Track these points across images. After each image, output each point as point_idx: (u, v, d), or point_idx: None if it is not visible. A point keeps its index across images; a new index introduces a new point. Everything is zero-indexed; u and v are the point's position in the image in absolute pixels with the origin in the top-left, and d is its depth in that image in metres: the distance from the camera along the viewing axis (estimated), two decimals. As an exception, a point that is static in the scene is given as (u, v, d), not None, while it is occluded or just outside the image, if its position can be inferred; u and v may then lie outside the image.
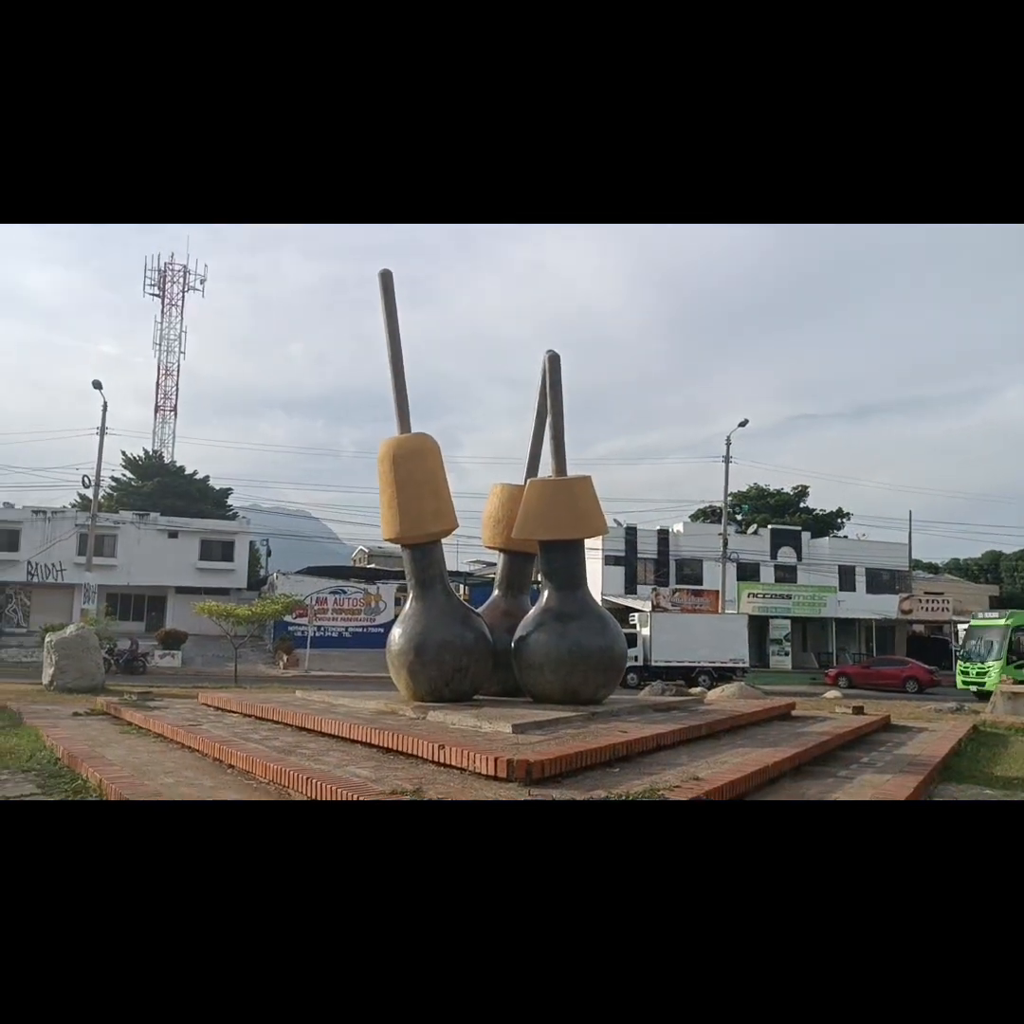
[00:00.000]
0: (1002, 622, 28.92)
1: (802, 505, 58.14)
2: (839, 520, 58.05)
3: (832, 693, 25.56)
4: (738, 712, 9.94)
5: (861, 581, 46.84)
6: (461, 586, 34.53)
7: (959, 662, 30.12)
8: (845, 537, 52.77)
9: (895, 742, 10.01)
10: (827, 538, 50.33)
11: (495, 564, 12.46)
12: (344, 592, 40.42)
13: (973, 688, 28.16)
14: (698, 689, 22.78)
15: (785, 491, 58.63)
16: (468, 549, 42.02)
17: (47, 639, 18.76)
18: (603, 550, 40.80)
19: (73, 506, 46.48)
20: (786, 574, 45.99)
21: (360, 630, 39.21)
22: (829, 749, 8.35)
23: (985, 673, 28.03)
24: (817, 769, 7.37)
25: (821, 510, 58.16)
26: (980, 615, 32.24)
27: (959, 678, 29.44)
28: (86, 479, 38.12)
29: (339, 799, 5.00)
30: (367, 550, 55.36)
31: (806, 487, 59.00)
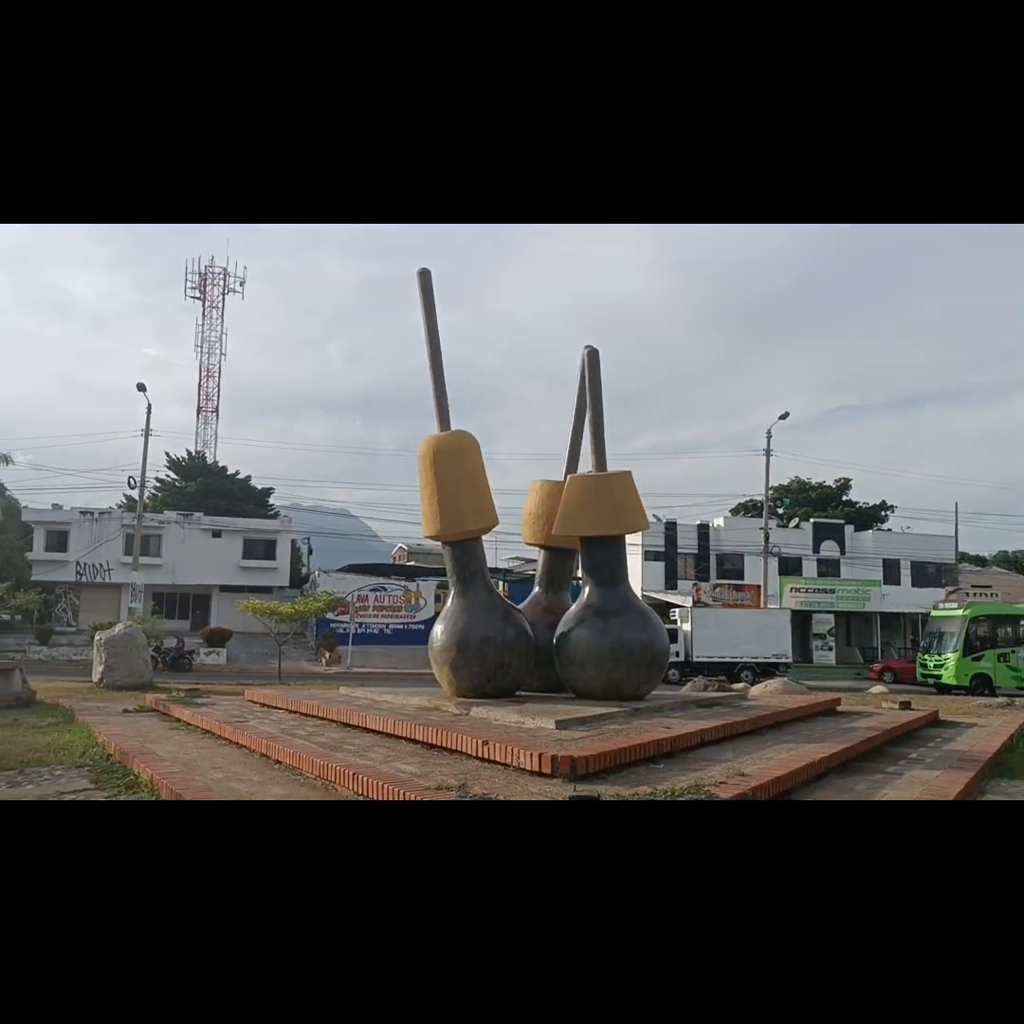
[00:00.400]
0: (960, 613, 28.33)
1: (845, 498, 57.28)
2: (883, 513, 57.11)
3: (878, 688, 25.16)
4: (783, 707, 9.83)
5: (906, 574, 46.10)
6: (501, 583, 34.56)
7: (919, 654, 29.51)
8: (889, 530, 51.97)
9: (944, 738, 9.82)
10: (871, 531, 49.59)
11: (535, 561, 12.48)
12: (385, 589, 40.77)
13: (931, 680, 27.67)
14: (741, 685, 22.56)
15: (827, 484, 57.81)
16: (507, 546, 42.20)
17: (96, 637, 19.20)
18: (643, 545, 40.65)
19: (119, 507, 47.42)
20: (829, 568, 45.44)
21: (401, 627, 39.52)
22: (877, 745, 8.23)
23: (942, 665, 27.50)
24: (865, 765, 7.27)
25: (864, 503, 57.25)
26: (940, 606, 31.48)
27: (918, 670, 28.85)
28: (131, 480, 38.89)
29: (386, 794, 5.05)
30: (407, 547, 55.72)
31: (849, 480, 58.15)
